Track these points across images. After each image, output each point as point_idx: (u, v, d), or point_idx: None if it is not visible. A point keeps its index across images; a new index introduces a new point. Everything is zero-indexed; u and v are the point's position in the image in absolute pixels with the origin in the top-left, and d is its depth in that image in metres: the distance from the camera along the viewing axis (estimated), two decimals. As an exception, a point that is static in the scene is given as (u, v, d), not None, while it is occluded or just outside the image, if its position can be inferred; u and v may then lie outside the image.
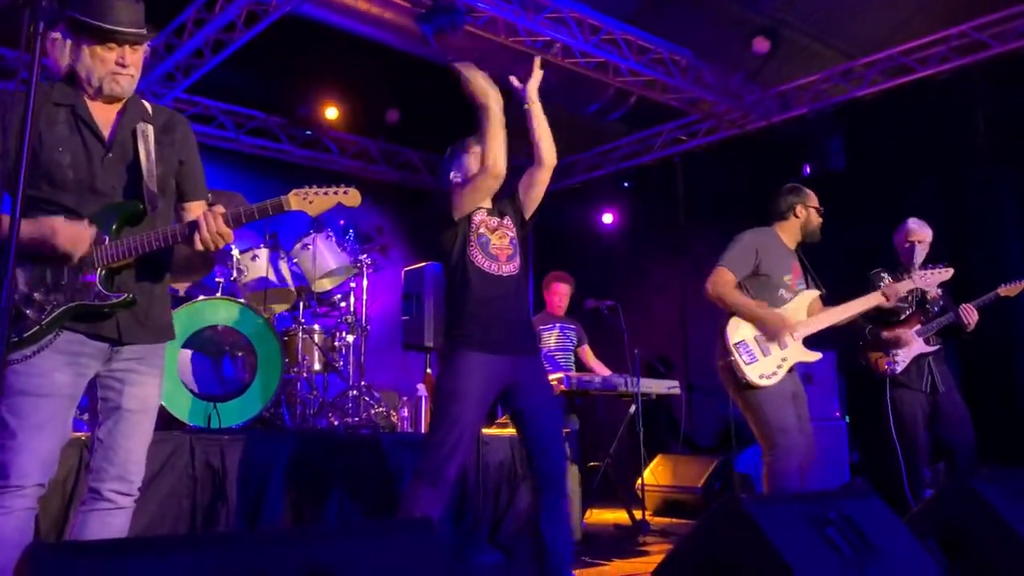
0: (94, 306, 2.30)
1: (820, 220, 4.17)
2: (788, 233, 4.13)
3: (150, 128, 2.43)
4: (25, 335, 2.21)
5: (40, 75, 1.95)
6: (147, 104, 2.52)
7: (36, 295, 2.23)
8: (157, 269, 2.48)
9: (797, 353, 3.94)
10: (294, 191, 2.46)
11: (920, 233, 4.66)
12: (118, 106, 2.43)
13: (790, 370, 3.91)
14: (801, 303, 4.01)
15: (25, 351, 2.21)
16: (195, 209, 2.53)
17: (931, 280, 4.30)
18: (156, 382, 2.47)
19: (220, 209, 2.36)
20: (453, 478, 3.21)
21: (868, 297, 4.12)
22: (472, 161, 3.42)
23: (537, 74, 3.38)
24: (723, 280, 3.90)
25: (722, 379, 3.97)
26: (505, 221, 3.47)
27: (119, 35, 2.32)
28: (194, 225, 2.34)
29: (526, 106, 3.40)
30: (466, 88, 3.26)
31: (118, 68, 2.35)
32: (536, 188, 3.51)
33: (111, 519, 2.35)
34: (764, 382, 3.81)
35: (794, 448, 3.79)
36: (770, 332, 3.86)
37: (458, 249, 3.33)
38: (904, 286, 4.20)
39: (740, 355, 3.83)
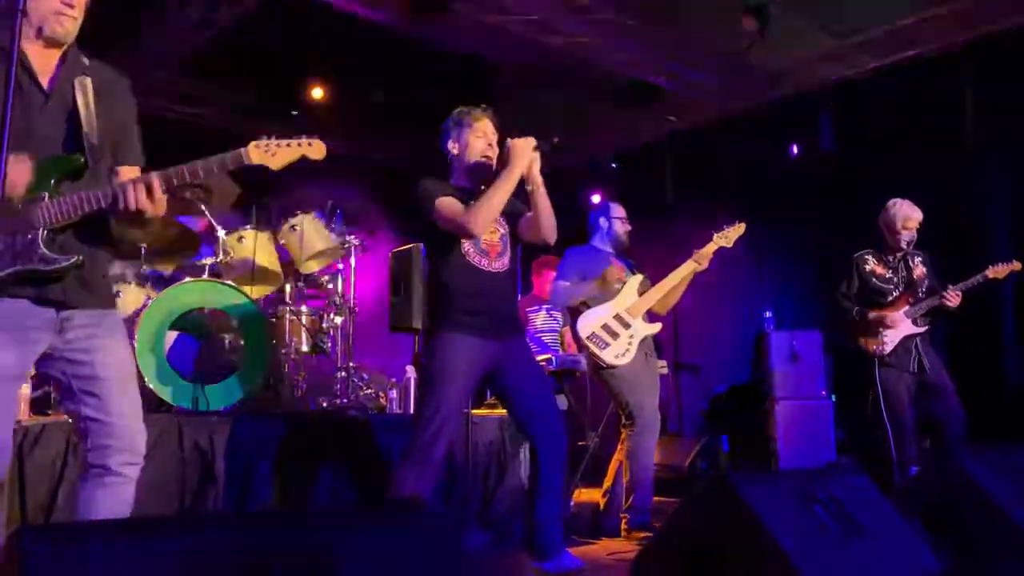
0: (39, 271, 2.13)
1: (625, 229, 4.90)
2: (601, 241, 4.89)
3: (89, 81, 2.27)
4: None
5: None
6: (84, 57, 2.35)
7: None
8: (100, 229, 2.33)
9: (641, 328, 4.58)
10: (254, 143, 2.30)
11: (914, 219, 4.67)
12: (57, 53, 2.27)
13: (642, 350, 4.52)
14: (630, 287, 4.66)
15: None
16: (127, 174, 2.39)
17: (731, 236, 4.61)
18: (124, 348, 2.35)
19: (153, 178, 2.21)
20: (440, 458, 3.24)
21: (684, 266, 4.59)
22: (473, 139, 3.41)
23: (538, 161, 3.34)
24: (560, 287, 4.70)
25: (587, 366, 4.72)
26: (499, 217, 3.48)
27: None
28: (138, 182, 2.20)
29: (529, 188, 3.37)
30: (521, 168, 3.27)
31: (63, 8, 2.19)
32: (529, 240, 3.60)
33: (121, 492, 2.26)
34: (620, 361, 4.45)
35: (650, 425, 4.45)
36: (610, 279, 4.55)
37: (449, 240, 3.35)
38: (710, 248, 4.57)
39: (594, 345, 4.47)
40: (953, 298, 4.56)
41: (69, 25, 2.22)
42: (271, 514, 2.32)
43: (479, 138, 3.43)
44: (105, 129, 2.29)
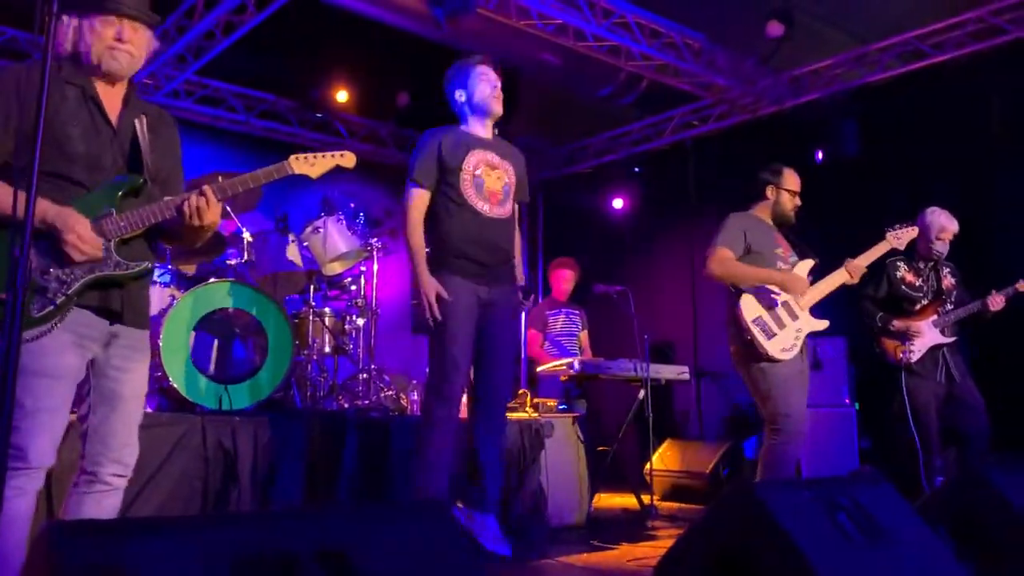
0: (114, 275, 2.34)
1: (794, 203, 4.20)
2: (765, 212, 4.22)
3: (144, 119, 2.50)
4: (47, 310, 2.23)
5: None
6: (137, 97, 2.58)
7: (52, 269, 2.25)
8: (152, 248, 2.54)
9: (808, 323, 4.01)
10: (293, 156, 2.60)
11: (949, 230, 4.63)
12: (122, 91, 2.48)
13: (802, 346, 3.97)
14: (801, 272, 4.08)
15: (38, 329, 2.21)
16: None
17: (904, 238, 4.25)
18: (146, 369, 2.53)
19: (208, 190, 2.42)
20: (458, 399, 3.44)
21: (835, 275, 4.10)
22: (478, 83, 3.54)
23: None
24: (725, 257, 3.96)
25: (735, 362, 4.02)
26: (506, 165, 3.61)
27: (116, 7, 2.37)
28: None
29: None
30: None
31: (115, 43, 2.38)
32: None
33: (107, 500, 2.41)
34: (785, 355, 3.87)
35: (795, 434, 3.84)
36: (791, 289, 3.94)
37: (451, 180, 3.49)
38: (866, 259, 4.14)
39: (758, 332, 3.86)
40: (996, 302, 4.55)
41: (123, 59, 2.40)
42: (297, 511, 2.34)
43: (484, 81, 3.55)
44: (157, 161, 2.51)
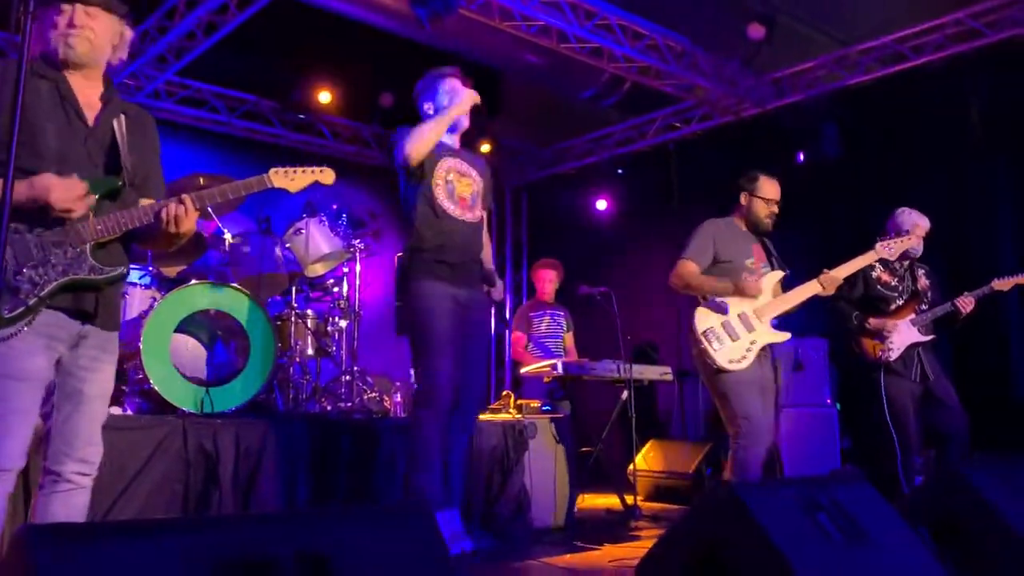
0: (89, 280, 2.31)
1: (768, 211, 4.20)
2: (741, 219, 4.26)
3: (123, 118, 2.47)
4: (19, 310, 2.19)
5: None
6: (117, 95, 2.54)
7: (26, 270, 2.21)
8: (128, 251, 2.51)
9: (765, 335, 4.03)
10: (273, 169, 2.62)
11: (921, 227, 4.67)
12: (99, 89, 2.45)
13: (760, 356, 3.99)
14: (767, 284, 4.10)
15: (8, 331, 2.19)
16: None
17: (896, 248, 4.24)
18: (113, 368, 2.51)
19: (187, 199, 2.42)
20: (449, 402, 3.51)
21: (807, 285, 4.10)
22: (446, 97, 3.68)
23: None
24: (686, 271, 4.06)
25: (696, 366, 4.13)
26: (474, 174, 3.74)
27: None
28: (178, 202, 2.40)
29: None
30: (460, 111, 3.67)
31: (68, 29, 2.33)
32: None
33: (74, 499, 2.38)
34: (734, 367, 3.92)
35: (757, 436, 3.88)
36: (744, 293, 3.97)
37: (425, 186, 3.61)
38: (844, 270, 4.14)
39: (709, 342, 3.94)
40: (966, 304, 4.59)
41: (77, 44, 2.35)
42: (279, 515, 2.33)
43: (453, 97, 3.69)
44: (136, 162, 2.47)
